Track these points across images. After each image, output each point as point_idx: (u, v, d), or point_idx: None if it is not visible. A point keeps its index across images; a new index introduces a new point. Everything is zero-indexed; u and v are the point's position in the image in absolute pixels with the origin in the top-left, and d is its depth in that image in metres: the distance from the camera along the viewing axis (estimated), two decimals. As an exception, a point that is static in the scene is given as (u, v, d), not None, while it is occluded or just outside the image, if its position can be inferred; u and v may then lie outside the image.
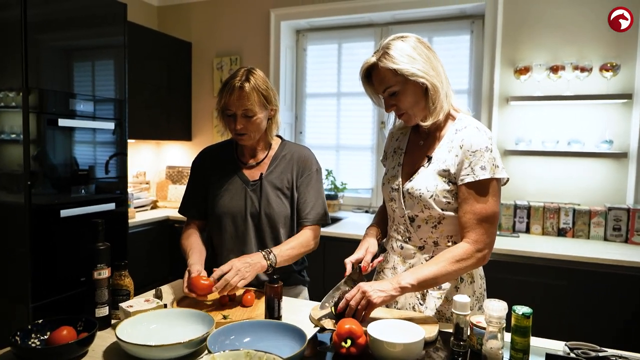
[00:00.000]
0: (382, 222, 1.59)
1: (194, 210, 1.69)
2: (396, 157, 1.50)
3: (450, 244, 1.37)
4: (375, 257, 1.45)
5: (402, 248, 1.43)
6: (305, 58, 3.75)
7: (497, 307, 1.04)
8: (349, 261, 1.41)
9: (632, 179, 2.67)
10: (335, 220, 3.25)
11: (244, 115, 1.52)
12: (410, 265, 1.41)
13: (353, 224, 3.13)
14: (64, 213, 2.34)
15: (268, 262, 1.46)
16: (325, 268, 2.89)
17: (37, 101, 2.22)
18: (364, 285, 1.24)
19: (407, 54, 1.30)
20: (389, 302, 1.27)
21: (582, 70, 2.66)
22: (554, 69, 2.73)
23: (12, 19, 2.10)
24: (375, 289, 1.22)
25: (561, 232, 2.75)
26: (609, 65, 2.63)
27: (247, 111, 1.52)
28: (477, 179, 1.28)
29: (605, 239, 2.66)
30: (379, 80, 1.34)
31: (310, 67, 3.75)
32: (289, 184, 1.63)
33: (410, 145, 1.48)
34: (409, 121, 1.39)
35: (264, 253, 1.47)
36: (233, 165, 1.66)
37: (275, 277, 1.26)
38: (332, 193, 3.55)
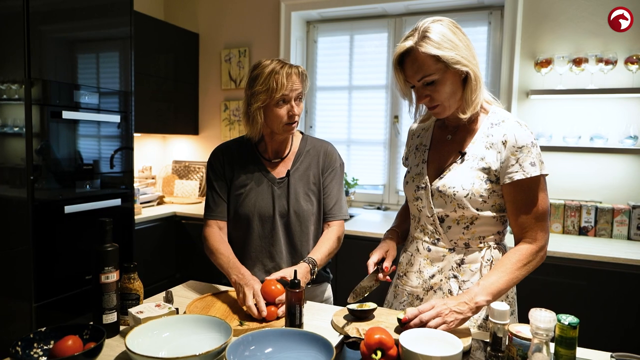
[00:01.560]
0: (402, 225, 1.51)
1: (217, 210, 1.59)
2: (419, 153, 1.40)
3: (482, 245, 1.30)
4: (394, 262, 1.38)
5: (429, 250, 1.34)
6: (315, 50, 3.64)
7: (544, 318, 0.94)
8: (371, 263, 1.34)
9: (657, 176, 2.56)
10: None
11: (297, 99, 1.48)
12: (438, 269, 1.32)
13: (365, 221, 3.04)
14: (68, 209, 2.26)
15: (313, 275, 1.45)
16: (337, 267, 2.81)
17: (41, 93, 2.14)
18: (439, 305, 1.14)
19: (449, 39, 1.19)
20: (463, 323, 1.16)
21: (607, 62, 2.55)
22: (577, 62, 2.62)
23: (14, 9, 2.01)
24: (451, 311, 1.13)
25: (582, 231, 2.65)
26: (634, 57, 2.51)
27: (300, 94, 1.49)
28: (528, 175, 1.20)
29: (629, 238, 2.56)
30: (416, 67, 1.21)
31: (321, 60, 3.65)
32: (315, 180, 1.57)
33: (435, 140, 1.39)
34: (442, 113, 1.27)
35: (310, 265, 1.43)
36: (255, 162, 1.58)
37: (296, 281, 1.17)
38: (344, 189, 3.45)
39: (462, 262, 1.30)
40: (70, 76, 2.31)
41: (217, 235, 1.55)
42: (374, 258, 1.35)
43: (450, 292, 1.29)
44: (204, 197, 2.28)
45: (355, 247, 2.75)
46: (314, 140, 1.65)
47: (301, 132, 1.67)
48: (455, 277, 1.30)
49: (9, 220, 2.05)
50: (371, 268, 1.33)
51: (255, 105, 1.47)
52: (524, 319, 1.05)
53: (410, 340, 1.02)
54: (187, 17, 3.78)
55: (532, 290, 2.27)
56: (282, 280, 1.34)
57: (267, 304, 1.28)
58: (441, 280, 1.31)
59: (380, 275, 1.32)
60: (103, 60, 2.53)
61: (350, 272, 2.77)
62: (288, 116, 1.47)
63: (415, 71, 1.22)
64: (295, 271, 1.19)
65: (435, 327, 1.11)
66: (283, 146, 1.60)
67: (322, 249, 1.51)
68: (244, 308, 1.28)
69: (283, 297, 1.28)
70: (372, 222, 3.00)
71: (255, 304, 1.27)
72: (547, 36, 2.76)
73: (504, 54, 2.84)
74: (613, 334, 2.18)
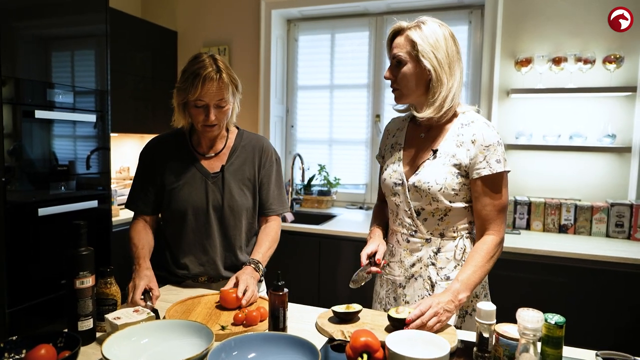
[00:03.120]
0: (383, 223, 1.57)
1: (144, 205, 1.59)
2: (395, 152, 1.48)
3: (455, 235, 1.39)
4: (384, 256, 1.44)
5: (408, 242, 1.43)
6: (296, 49, 3.61)
7: (532, 318, 0.93)
8: (364, 254, 1.40)
9: (634, 174, 2.61)
10: (329, 217, 3.14)
11: (216, 106, 1.46)
12: (417, 258, 1.40)
13: (347, 221, 3.02)
14: (42, 211, 2.18)
15: (260, 273, 1.49)
16: (320, 267, 2.78)
17: (12, 92, 2.06)
18: (434, 305, 1.19)
19: (436, 38, 1.30)
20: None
21: (585, 62, 2.59)
22: (556, 61, 2.65)
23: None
24: (444, 310, 1.20)
25: (562, 229, 2.68)
26: (612, 57, 2.56)
27: (222, 101, 1.46)
28: (494, 171, 1.31)
29: (608, 236, 2.60)
30: (396, 44, 1.34)
31: (301, 59, 3.62)
32: (250, 176, 1.59)
33: (409, 139, 1.47)
34: (398, 99, 1.40)
35: (253, 266, 1.48)
36: (189, 157, 1.58)
37: (280, 283, 1.14)
38: (325, 189, 3.43)
39: (438, 250, 1.39)
40: (44, 74, 2.23)
41: (139, 226, 1.57)
42: (367, 250, 1.41)
43: (430, 279, 1.39)
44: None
45: (338, 246, 2.74)
46: (250, 136, 1.67)
47: (237, 127, 1.68)
48: (433, 264, 1.39)
49: (-21, 223, 1.97)
50: (364, 259, 1.38)
51: (176, 100, 1.49)
52: (510, 318, 1.04)
53: (396, 342, 1.00)
54: (165, 14, 3.70)
55: (513, 288, 2.30)
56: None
57: (232, 310, 1.32)
58: (421, 268, 1.40)
59: (373, 268, 1.37)
60: (78, 59, 2.45)
61: (333, 272, 2.75)
62: (203, 120, 1.47)
63: (394, 47, 1.35)
64: (279, 273, 1.16)
65: (433, 326, 1.17)
66: (217, 141, 1.60)
67: (262, 247, 1.56)
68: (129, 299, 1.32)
69: (246, 299, 1.33)
70: (354, 222, 2.99)
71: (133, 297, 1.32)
72: (527, 35, 2.79)
73: (484, 53, 2.86)
74: (592, 331, 2.21)
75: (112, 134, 2.65)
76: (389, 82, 1.39)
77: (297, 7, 3.34)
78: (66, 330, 1.09)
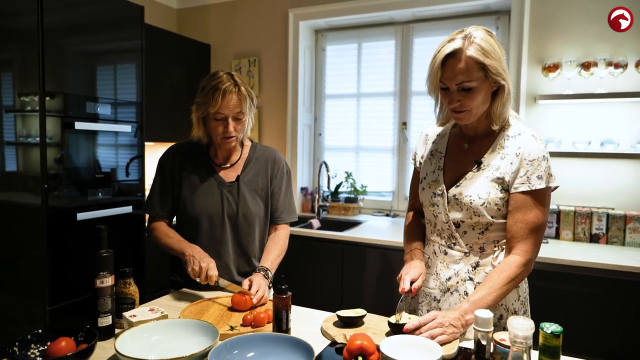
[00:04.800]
0: (421, 241, 1.48)
1: (164, 208, 1.67)
2: (435, 160, 1.42)
3: (496, 248, 1.33)
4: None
5: (445, 254, 1.37)
6: (324, 58, 3.68)
7: (522, 326, 0.94)
8: (408, 279, 1.30)
9: (671, 182, 2.50)
10: (354, 224, 3.17)
11: (235, 118, 1.54)
12: (454, 272, 1.35)
13: (372, 228, 3.04)
14: (81, 216, 2.34)
15: (269, 280, 1.56)
16: (343, 273, 2.82)
17: (55, 105, 2.23)
18: (439, 317, 1.18)
19: (494, 49, 1.21)
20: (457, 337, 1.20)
21: (616, 66, 2.51)
22: (586, 66, 2.58)
23: (30, 25, 2.10)
24: (450, 324, 1.17)
25: (594, 238, 2.60)
26: (645, 60, 2.47)
27: (240, 114, 1.55)
28: (532, 188, 1.25)
29: (642, 246, 2.50)
30: (459, 70, 1.20)
31: (329, 68, 3.68)
32: (263, 186, 1.67)
33: (451, 148, 1.41)
34: (466, 119, 1.28)
35: (263, 273, 1.54)
36: (206, 166, 1.67)
37: (283, 287, 1.19)
38: (352, 196, 3.46)
39: (477, 265, 1.33)
40: (84, 88, 2.39)
41: (164, 226, 1.66)
42: (411, 276, 1.32)
43: (466, 294, 1.32)
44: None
45: (360, 253, 2.76)
46: (262, 148, 1.75)
47: (251, 140, 1.76)
48: (470, 279, 1.33)
49: (26, 226, 2.14)
50: (407, 285, 1.29)
51: (196, 115, 1.58)
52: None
53: (391, 347, 1.03)
54: (199, 28, 3.87)
55: (541, 299, 2.25)
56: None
57: (243, 311, 1.38)
58: (457, 282, 1.34)
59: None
60: (115, 73, 2.61)
61: (356, 278, 2.78)
62: (222, 132, 1.55)
63: (455, 74, 1.21)
64: (282, 277, 1.21)
65: (435, 337, 1.13)
66: (232, 153, 1.69)
67: (271, 255, 1.62)
68: (200, 277, 1.43)
69: (257, 298, 1.42)
70: (379, 229, 3.01)
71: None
72: (554, 40, 2.74)
73: (511, 59, 2.82)
74: (625, 343, 2.13)
75: (147, 143, 2.80)
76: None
77: (324, 18, 3.41)
78: (88, 326, 1.18)
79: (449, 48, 1.21)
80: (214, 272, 1.44)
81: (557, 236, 2.67)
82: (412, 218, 1.55)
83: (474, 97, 1.23)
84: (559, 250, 2.39)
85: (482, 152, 1.32)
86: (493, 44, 1.21)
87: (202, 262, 1.45)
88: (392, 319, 1.21)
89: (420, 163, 1.48)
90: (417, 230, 1.51)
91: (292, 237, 2.85)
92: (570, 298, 2.24)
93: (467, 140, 1.37)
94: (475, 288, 1.31)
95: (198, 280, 1.45)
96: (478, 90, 1.22)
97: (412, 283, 1.30)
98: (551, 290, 2.27)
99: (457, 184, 1.33)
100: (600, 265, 2.19)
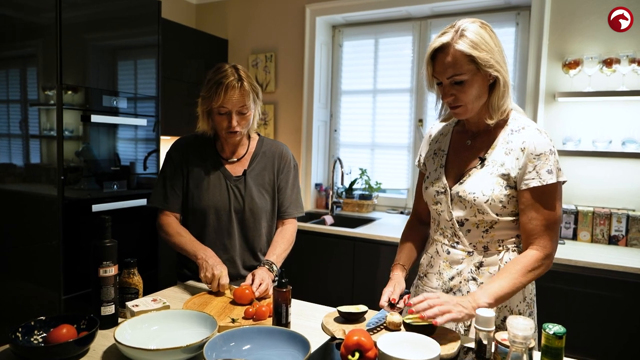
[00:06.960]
0: (408, 256, 1.46)
1: (173, 202, 1.66)
2: (437, 158, 1.40)
3: (501, 248, 1.30)
4: (401, 296, 1.33)
5: (448, 253, 1.35)
6: (341, 54, 3.66)
7: (522, 326, 0.92)
8: (389, 299, 1.30)
9: (696, 184, 2.40)
10: (368, 220, 3.15)
11: (239, 113, 1.54)
12: (457, 272, 1.32)
13: (386, 225, 3.02)
14: (96, 208, 2.38)
15: (274, 273, 1.55)
16: (354, 270, 2.81)
17: (75, 98, 2.28)
18: (443, 295, 1.17)
19: (486, 41, 1.19)
20: (466, 320, 1.18)
21: (640, 63, 2.42)
22: (608, 63, 2.50)
23: (48, 20, 2.15)
24: (457, 303, 1.15)
25: (613, 240, 2.52)
26: (671, 57, 2.38)
27: (243, 108, 1.54)
28: (544, 183, 1.21)
29: (664, 249, 2.42)
30: (448, 64, 1.19)
31: (346, 64, 3.66)
32: (270, 181, 1.67)
33: (453, 145, 1.39)
34: (463, 114, 1.27)
35: (267, 267, 1.53)
36: (214, 160, 1.67)
37: (284, 280, 1.19)
38: (367, 193, 3.44)
39: (481, 264, 1.30)
40: (102, 82, 2.43)
41: (176, 222, 1.66)
42: (395, 294, 1.32)
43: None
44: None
45: (371, 250, 2.75)
46: (269, 142, 1.74)
47: (258, 134, 1.76)
48: (474, 279, 1.30)
49: (42, 216, 2.19)
50: (385, 302, 1.30)
51: (201, 108, 1.58)
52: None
53: (388, 343, 1.02)
54: (217, 24, 3.89)
55: (555, 300, 2.20)
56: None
57: (245, 305, 1.37)
58: (460, 282, 1.32)
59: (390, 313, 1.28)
60: (134, 67, 2.65)
61: (367, 274, 2.77)
62: (226, 127, 1.55)
63: (445, 68, 1.20)
64: (282, 270, 1.21)
65: (442, 314, 1.11)
66: (239, 147, 1.68)
67: (277, 249, 1.61)
68: (212, 284, 1.43)
69: (259, 291, 1.42)
70: (392, 226, 2.98)
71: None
72: (575, 36, 2.66)
73: (530, 55, 2.75)
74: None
75: (164, 137, 2.83)
76: None
77: (341, 13, 3.39)
78: (91, 314, 1.20)
79: (437, 42, 1.21)
80: (225, 280, 1.44)
81: (574, 237, 2.60)
82: (407, 226, 1.56)
83: (466, 90, 1.21)
84: (576, 252, 2.33)
85: (485, 147, 1.30)
86: (484, 35, 1.19)
87: (215, 269, 1.45)
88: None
89: (424, 164, 1.47)
90: (407, 240, 1.49)
91: (305, 233, 2.87)
92: (585, 300, 2.17)
93: (470, 137, 1.35)
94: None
95: (209, 287, 1.45)
96: (470, 84, 1.20)
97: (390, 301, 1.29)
98: (565, 292, 2.21)
99: (460, 181, 1.30)
100: (620, 267, 2.12)
